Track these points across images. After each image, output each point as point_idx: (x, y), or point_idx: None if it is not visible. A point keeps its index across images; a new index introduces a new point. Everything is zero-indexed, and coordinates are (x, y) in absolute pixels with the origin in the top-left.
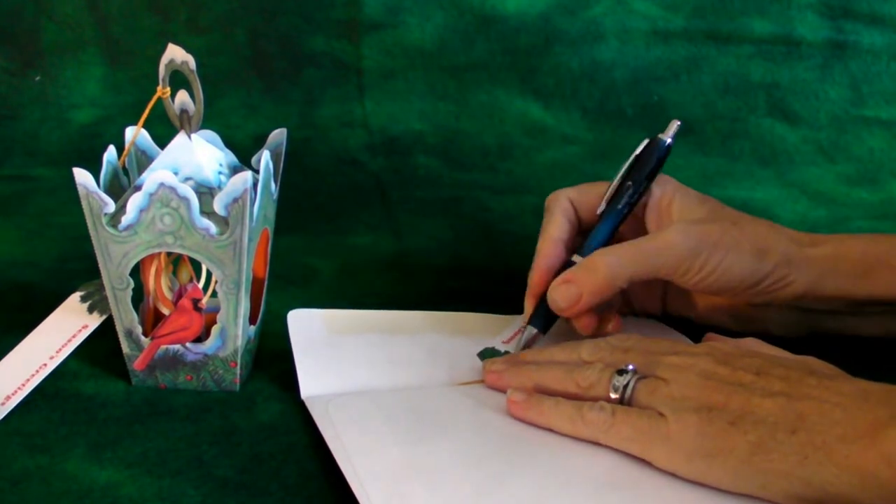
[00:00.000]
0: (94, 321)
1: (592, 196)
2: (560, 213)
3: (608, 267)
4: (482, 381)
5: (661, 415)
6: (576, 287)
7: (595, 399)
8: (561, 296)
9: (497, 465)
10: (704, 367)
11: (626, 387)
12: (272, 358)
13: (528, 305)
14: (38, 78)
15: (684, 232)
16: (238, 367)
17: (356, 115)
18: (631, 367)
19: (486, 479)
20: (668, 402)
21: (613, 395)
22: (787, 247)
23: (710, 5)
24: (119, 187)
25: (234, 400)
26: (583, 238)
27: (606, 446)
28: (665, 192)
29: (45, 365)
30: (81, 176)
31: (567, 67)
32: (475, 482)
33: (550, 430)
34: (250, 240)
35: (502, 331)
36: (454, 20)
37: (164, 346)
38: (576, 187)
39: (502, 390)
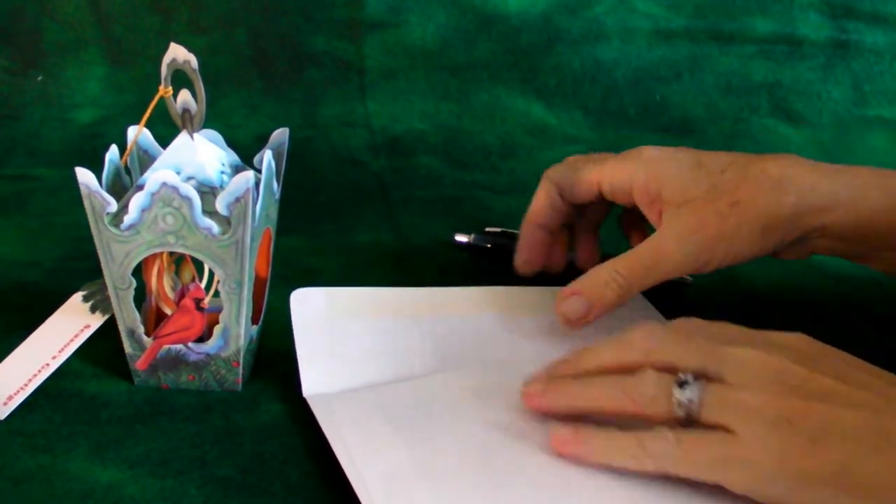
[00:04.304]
0: (97, 321)
1: (575, 182)
2: (545, 196)
3: (614, 282)
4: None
5: (732, 432)
6: (585, 300)
7: (657, 415)
8: (570, 308)
9: (501, 464)
10: (779, 367)
11: (690, 401)
12: (274, 358)
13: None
14: (39, 78)
15: (678, 240)
16: (240, 366)
17: (358, 114)
18: (690, 376)
19: (489, 479)
20: (741, 413)
21: (679, 412)
22: (796, 207)
23: (712, 5)
24: (121, 187)
25: (237, 400)
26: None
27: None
28: (650, 174)
29: (48, 365)
30: (84, 175)
31: (569, 67)
32: (479, 482)
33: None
34: (252, 239)
35: (519, 304)
36: (456, 19)
37: (166, 346)
38: (566, 171)
39: (544, 414)
